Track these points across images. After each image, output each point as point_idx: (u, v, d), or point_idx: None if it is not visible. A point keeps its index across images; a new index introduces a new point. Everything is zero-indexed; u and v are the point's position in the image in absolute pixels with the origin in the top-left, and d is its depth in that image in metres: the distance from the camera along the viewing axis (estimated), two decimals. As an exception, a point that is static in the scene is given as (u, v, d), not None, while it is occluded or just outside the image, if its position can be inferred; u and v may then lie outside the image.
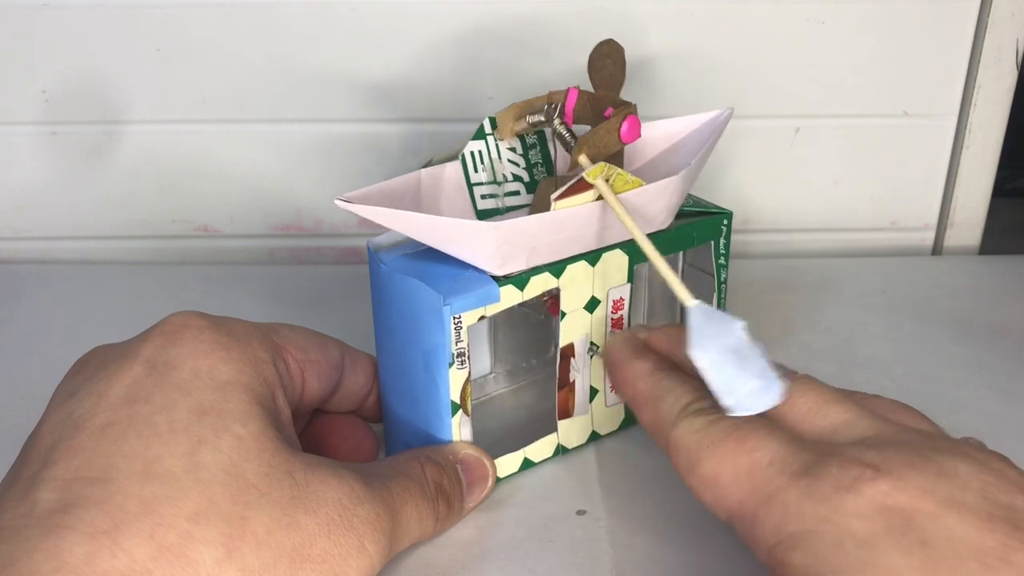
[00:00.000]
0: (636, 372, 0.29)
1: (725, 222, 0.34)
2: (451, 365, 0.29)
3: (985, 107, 0.52)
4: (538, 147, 0.34)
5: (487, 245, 0.29)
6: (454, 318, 0.29)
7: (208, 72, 0.51)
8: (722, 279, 0.36)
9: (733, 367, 0.26)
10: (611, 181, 0.29)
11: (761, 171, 0.54)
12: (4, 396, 0.38)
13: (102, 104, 0.52)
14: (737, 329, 0.27)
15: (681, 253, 0.36)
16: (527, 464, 0.33)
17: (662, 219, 0.33)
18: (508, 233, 0.29)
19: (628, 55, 0.34)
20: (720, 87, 0.52)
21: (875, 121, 0.53)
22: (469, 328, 0.29)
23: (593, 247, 0.32)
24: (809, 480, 0.23)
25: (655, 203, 0.31)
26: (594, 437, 0.35)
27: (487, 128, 0.33)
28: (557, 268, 0.31)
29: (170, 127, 0.52)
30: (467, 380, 0.30)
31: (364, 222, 0.54)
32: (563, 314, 0.32)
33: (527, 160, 0.34)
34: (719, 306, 0.37)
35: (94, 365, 0.26)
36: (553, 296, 0.32)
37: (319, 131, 0.52)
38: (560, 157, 0.35)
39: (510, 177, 0.34)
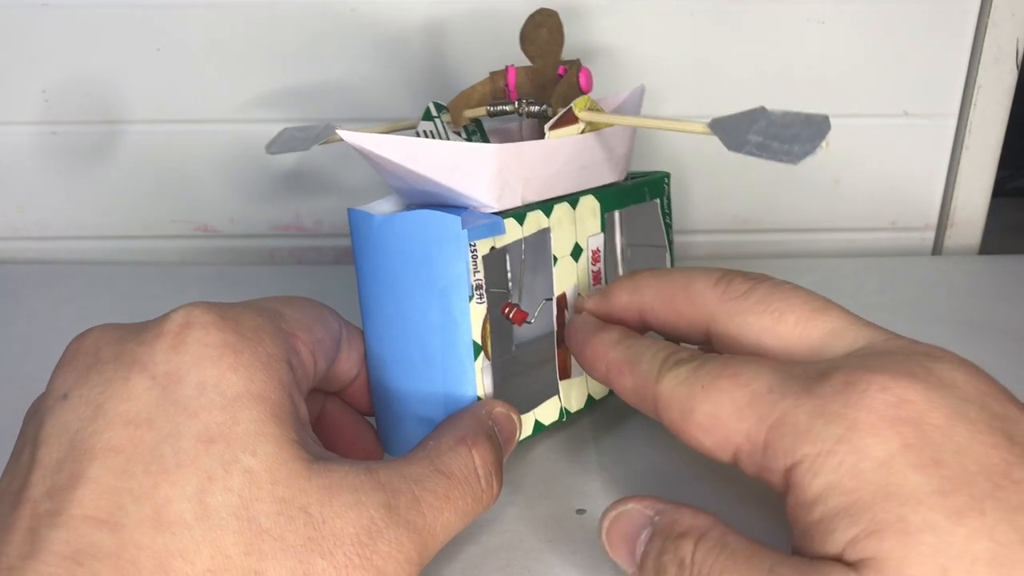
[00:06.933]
0: (605, 343, 0.29)
1: (666, 180, 0.38)
2: (471, 299, 0.29)
3: (985, 107, 0.52)
4: (478, 134, 0.36)
5: (488, 169, 0.29)
6: (471, 245, 0.29)
7: (208, 72, 0.51)
8: (670, 238, 0.39)
9: (776, 137, 0.26)
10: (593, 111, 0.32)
11: (761, 171, 0.54)
12: (4, 396, 0.38)
13: (102, 104, 0.52)
14: (761, 112, 0.27)
15: (619, 234, 0.38)
16: (538, 428, 0.33)
17: (621, 168, 0.36)
18: (507, 158, 0.29)
19: (627, 55, 0.34)
20: (720, 87, 0.52)
21: (875, 121, 0.53)
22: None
23: (572, 190, 0.33)
24: (816, 400, 0.23)
25: (617, 148, 0.34)
26: (590, 403, 0.35)
27: (433, 111, 0.35)
28: (547, 207, 0.32)
29: (170, 127, 0.52)
30: (486, 318, 0.30)
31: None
32: (555, 259, 0.33)
33: None
34: (671, 264, 0.39)
35: (87, 360, 0.25)
36: (516, 307, 0.33)
37: (319, 131, 0.52)
38: (527, 127, 0.37)
39: None
